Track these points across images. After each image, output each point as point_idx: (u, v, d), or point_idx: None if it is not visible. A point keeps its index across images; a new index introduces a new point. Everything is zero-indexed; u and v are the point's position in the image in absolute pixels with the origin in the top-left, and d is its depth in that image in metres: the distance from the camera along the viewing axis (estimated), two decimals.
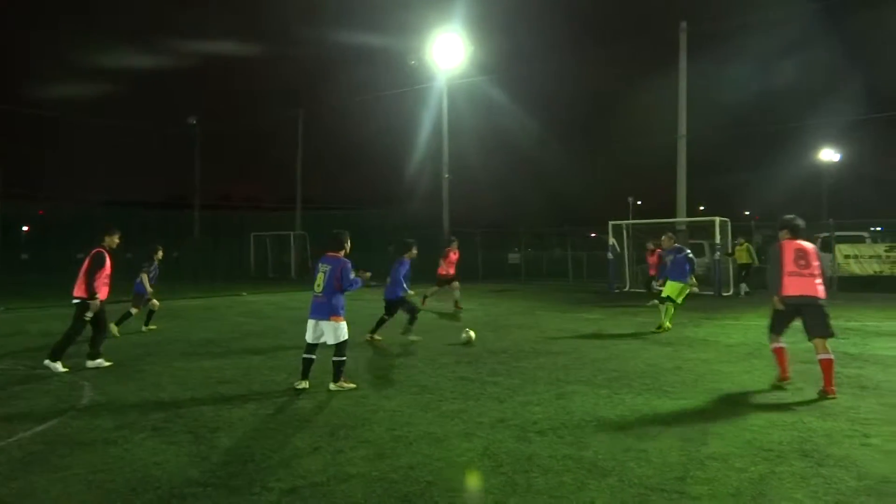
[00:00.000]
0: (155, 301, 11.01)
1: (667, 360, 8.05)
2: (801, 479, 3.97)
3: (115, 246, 7.91)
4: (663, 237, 11.38)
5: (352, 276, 6.51)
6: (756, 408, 5.71)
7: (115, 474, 4.13)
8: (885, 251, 18.65)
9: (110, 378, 7.08)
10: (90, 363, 7.59)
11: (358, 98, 54.38)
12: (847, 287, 17.96)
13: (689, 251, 10.91)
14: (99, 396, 6.25)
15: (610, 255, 21.15)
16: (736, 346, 9.12)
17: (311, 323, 6.49)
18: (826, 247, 19.01)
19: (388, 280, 9.64)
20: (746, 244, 18.37)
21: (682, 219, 22.36)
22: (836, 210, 36.97)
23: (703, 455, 4.40)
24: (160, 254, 11.10)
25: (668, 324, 10.69)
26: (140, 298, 10.79)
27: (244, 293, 19.58)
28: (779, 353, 6.51)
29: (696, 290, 12.10)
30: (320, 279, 6.48)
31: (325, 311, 6.39)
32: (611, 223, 21.43)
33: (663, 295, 10.79)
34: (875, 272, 18.52)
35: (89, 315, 7.51)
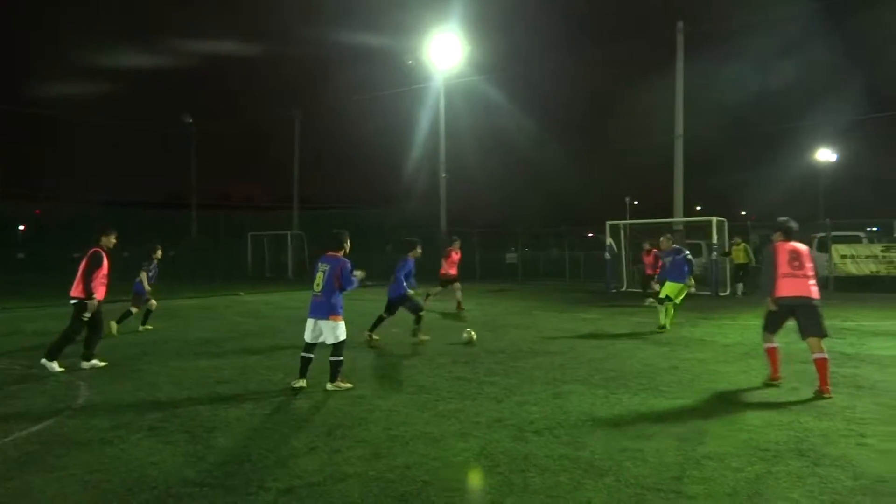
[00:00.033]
0: (153, 301, 11.00)
1: (663, 359, 8.06)
2: (797, 478, 3.98)
3: (111, 246, 7.89)
4: (661, 239, 11.36)
5: (352, 275, 6.53)
6: (752, 407, 5.72)
7: (112, 474, 4.12)
8: (882, 251, 18.68)
9: (106, 378, 7.07)
10: (85, 364, 7.57)
11: (355, 98, 54.28)
12: (843, 287, 17.99)
13: (687, 252, 10.89)
14: (95, 396, 6.24)
15: (607, 255, 21.18)
16: (732, 346, 9.13)
17: (309, 322, 6.49)
18: (823, 247, 19.08)
19: (392, 279, 9.65)
20: (743, 244, 18.41)
21: (679, 219, 22.36)
22: (832, 210, 37.07)
23: (699, 455, 4.41)
24: (159, 253, 11.09)
25: (667, 323, 10.71)
26: (139, 298, 10.77)
27: (241, 293, 19.55)
28: (771, 352, 6.56)
29: (693, 290, 12.10)
30: (319, 278, 6.48)
31: (325, 310, 6.40)
32: (608, 223, 21.47)
33: (661, 295, 10.81)
34: (871, 272, 18.55)
35: (87, 315, 7.50)
